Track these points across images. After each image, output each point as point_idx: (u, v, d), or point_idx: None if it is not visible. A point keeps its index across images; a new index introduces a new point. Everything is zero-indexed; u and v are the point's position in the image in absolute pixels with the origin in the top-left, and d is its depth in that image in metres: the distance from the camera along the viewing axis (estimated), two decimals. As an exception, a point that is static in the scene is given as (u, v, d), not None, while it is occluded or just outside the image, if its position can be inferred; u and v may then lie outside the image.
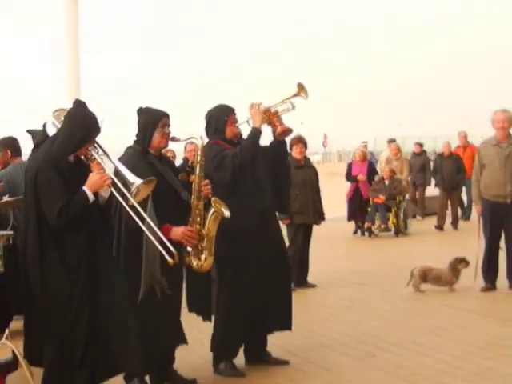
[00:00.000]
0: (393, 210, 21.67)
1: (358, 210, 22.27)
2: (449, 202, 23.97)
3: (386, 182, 21.62)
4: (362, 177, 22.09)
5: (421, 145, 27.91)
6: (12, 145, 11.41)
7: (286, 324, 9.18)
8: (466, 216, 25.05)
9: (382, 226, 22.03)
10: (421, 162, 25.89)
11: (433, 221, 24.28)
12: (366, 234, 22.28)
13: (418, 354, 9.58)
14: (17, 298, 9.36)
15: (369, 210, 21.91)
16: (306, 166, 14.87)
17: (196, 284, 8.55)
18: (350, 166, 23.65)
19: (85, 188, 7.09)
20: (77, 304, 7.12)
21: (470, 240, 15.19)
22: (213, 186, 8.31)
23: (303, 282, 14.05)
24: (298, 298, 12.19)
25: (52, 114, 7.71)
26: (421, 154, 27.31)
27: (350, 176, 22.99)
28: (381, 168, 25.10)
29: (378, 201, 21.31)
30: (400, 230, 21.89)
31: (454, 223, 23.66)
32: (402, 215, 21.99)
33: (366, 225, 21.88)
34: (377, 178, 22.50)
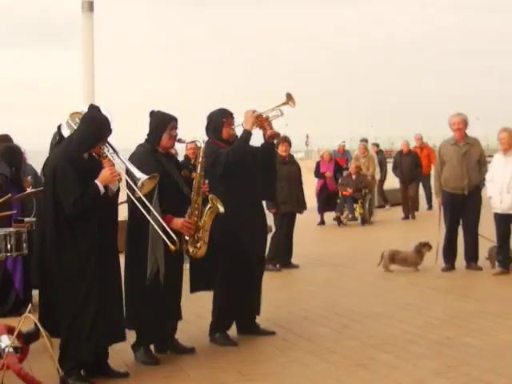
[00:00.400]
0: (359, 202, 21.96)
1: (326, 203, 22.59)
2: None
3: (353, 176, 22.00)
4: (328, 174, 22.34)
5: (377, 145, 28.23)
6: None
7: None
8: (428, 207, 25.31)
9: (350, 216, 22.35)
10: (378, 160, 25.67)
11: (395, 210, 24.59)
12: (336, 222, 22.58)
13: (387, 325, 9.73)
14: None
15: (338, 201, 22.18)
16: (290, 163, 15.24)
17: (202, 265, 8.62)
18: (318, 164, 23.77)
19: (97, 181, 7.22)
20: (87, 287, 7.32)
21: (431, 227, 15.45)
22: (209, 179, 8.47)
23: (288, 264, 14.24)
24: (284, 277, 12.41)
25: (68, 116, 7.81)
26: (378, 153, 27.18)
27: (318, 173, 23.22)
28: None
29: (346, 193, 21.66)
30: (366, 219, 22.17)
31: (412, 211, 24.02)
32: (367, 206, 22.30)
33: (336, 215, 22.12)
34: (345, 173, 22.86)
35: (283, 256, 14.26)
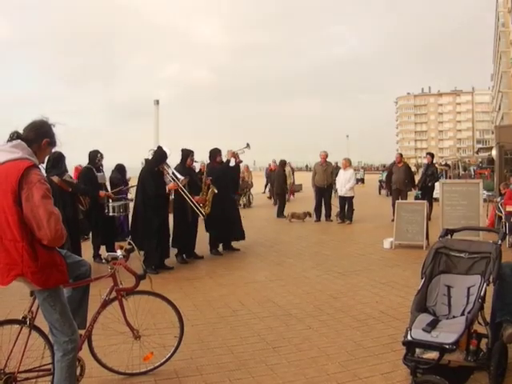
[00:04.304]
0: (242, 196, 17.97)
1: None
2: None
3: (241, 182, 19.30)
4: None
5: (274, 161, 21.85)
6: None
7: (243, 237, 9.42)
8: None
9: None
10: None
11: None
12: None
13: (291, 245, 9.85)
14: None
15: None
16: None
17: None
18: None
19: (167, 187, 7.55)
20: (156, 227, 7.45)
21: (309, 203, 15.34)
22: (215, 181, 8.63)
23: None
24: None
25: (149, 151, 7.99)
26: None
27: None
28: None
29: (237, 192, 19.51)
30: (246, 205, 18.46)
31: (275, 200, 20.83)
32: (247, 198, 18.90)
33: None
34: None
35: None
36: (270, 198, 20.84)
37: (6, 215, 2.86)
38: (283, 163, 16.49)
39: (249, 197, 19.35)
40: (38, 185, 2.84)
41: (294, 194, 23.17)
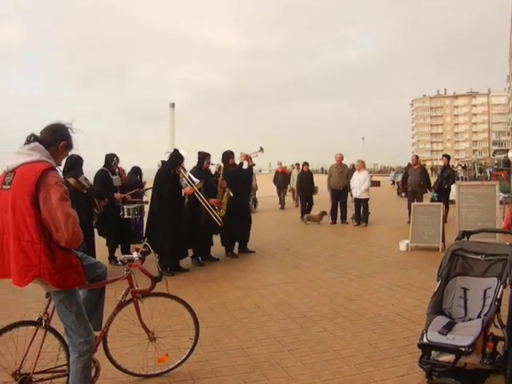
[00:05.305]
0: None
1: None
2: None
3: None
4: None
5: (280, 163, 21.17)
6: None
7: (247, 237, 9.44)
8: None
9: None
10: (282, 176, 19.94)
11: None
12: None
13: (306, 248, 9.79)
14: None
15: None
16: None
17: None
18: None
19: (183, 192, 7.62)
20: (172, 230, 7.45)
21: (326, 204, 15.23)
22: (229, 183, 8.67)
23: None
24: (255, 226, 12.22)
25: (165, 153, 7.99)
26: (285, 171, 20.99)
27: None
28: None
29: None
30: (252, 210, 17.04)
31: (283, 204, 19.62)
32: (252, 201, 16.49)
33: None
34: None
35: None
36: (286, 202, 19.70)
37: (24, 217, 2.87)
38: (307, 165, 16.13)
39: (254, 200, 17.92)
40: (55, 187, 2.85)
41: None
